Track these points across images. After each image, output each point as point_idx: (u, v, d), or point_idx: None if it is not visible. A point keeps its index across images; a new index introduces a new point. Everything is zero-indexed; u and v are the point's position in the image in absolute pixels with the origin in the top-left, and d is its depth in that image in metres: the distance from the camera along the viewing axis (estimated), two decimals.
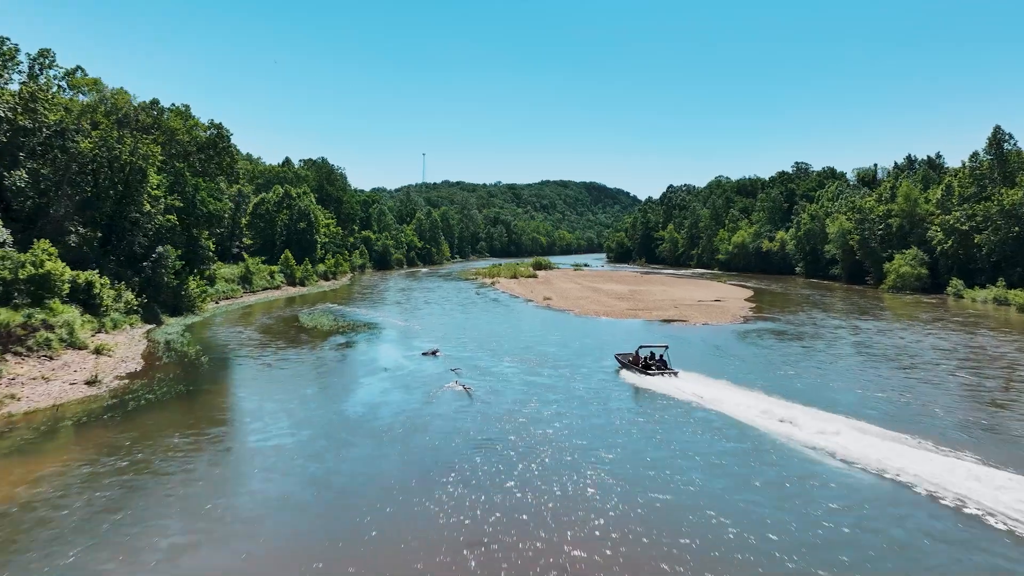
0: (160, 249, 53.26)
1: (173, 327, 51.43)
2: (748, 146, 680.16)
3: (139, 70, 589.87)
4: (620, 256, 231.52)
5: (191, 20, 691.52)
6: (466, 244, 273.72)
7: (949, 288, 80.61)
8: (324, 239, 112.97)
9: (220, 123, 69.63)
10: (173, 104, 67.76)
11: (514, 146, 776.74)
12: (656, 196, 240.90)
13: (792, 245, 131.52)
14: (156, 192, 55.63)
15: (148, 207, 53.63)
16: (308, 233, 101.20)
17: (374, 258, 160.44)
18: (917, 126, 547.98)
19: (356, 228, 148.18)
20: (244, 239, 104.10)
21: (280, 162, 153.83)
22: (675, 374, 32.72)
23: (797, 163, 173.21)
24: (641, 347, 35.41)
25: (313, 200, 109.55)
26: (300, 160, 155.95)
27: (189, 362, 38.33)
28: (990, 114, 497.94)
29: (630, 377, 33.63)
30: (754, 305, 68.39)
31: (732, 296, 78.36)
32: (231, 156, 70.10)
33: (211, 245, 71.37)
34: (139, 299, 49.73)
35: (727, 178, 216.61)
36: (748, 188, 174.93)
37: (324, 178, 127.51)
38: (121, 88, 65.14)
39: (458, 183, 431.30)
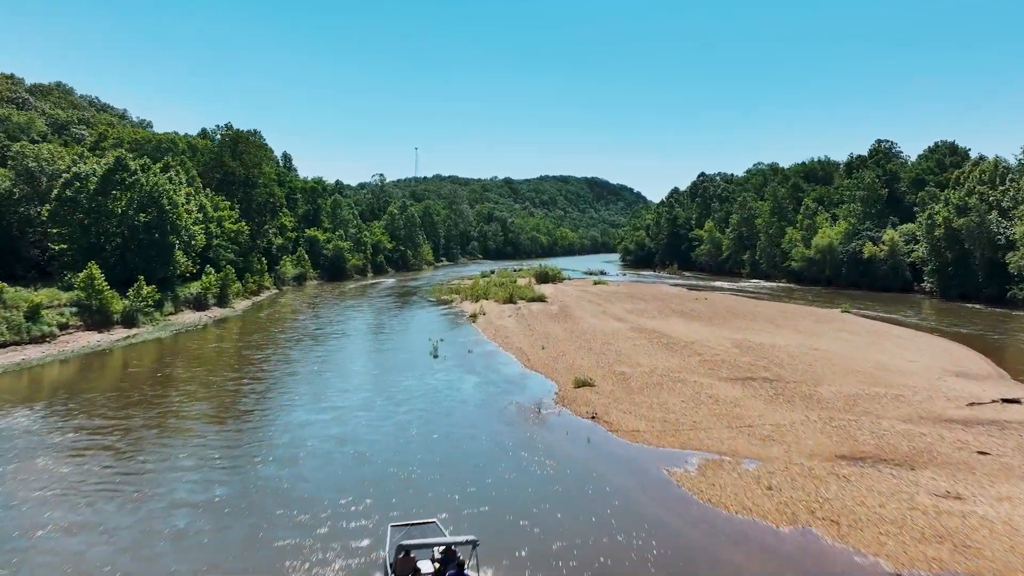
0: None
1: None
2: (749, 145, 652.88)
3: (139, 71, 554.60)
4: (639, 260, 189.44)
5: (191, 20, 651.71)
6: (454, 244, 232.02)
7: None
8: (214, 241, 71.12)
9: None
10: None
11: (512, 144, 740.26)
12: (660, 193, 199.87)
13: (919, 250, 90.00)
14: None
15: None
16: (157, 229, 58.98)
17: (323, 265, 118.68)
18: (913, 123, 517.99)
19: (288, 224, 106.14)
20: (52, 243, 62.04)
21: (197, 133, 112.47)
22: None
23: (880, 140, 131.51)
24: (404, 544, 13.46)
25: (182, 178, 67.39)
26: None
27: None
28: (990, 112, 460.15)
29: None
30: None
31: (975, 369, 36.54)
32: None
33: None
34: None
35: (764, 164, 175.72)
36: (818, 174, 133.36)
37: (226, 150, 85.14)
38: None
39: (450, 177, 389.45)
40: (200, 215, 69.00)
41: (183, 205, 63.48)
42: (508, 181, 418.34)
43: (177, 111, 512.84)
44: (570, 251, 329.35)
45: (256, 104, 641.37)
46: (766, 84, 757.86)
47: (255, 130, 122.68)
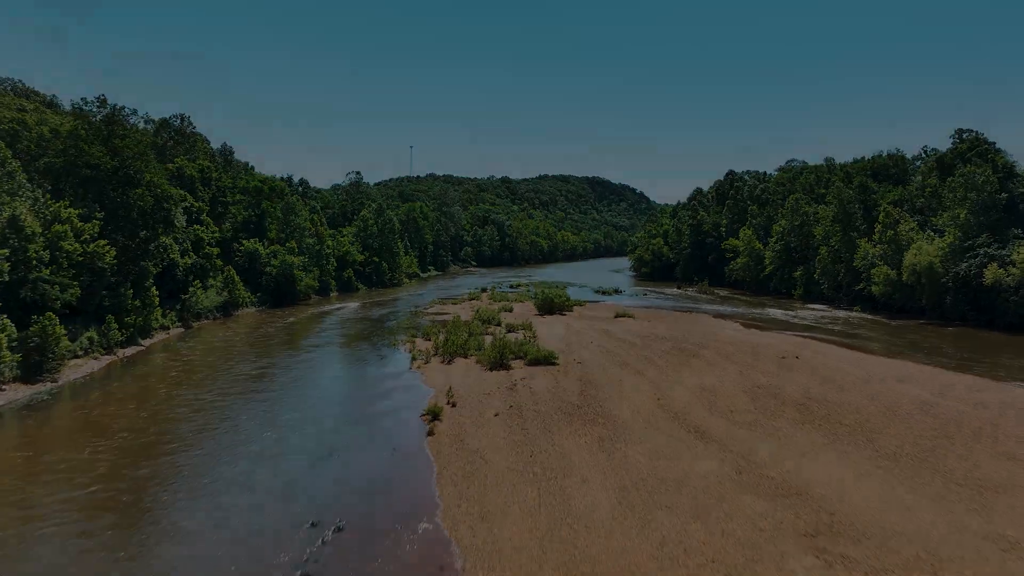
0: None
1: None
2: (750, 144, 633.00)
3: (139, 75, 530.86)
4: (657, 272, 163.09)
5: (186, 19, 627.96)
6: (445, 251, 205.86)
7: None
8: (34, 273, 44.97)
9: None
10: None
11: (511, 143, 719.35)
12: (660, 193, 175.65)
13: None
14: None
15: None
16: None
17: (266, 287, 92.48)
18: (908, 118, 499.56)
19: (205, 236, 79.74)
20: None
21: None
22: None
23: (961, 130, 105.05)
24: None
25: None
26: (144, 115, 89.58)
27: None
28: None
29: None
30: None
31: None
32: None
33: None
34: None
35: (803, 162, 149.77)
36: (891, 171, 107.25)
37: (94, 136, 58.51)
38: None
39: (444, 176, 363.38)
40: (6, 231, 42.70)
41: None
42: (506, 180, 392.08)
43: (171, 109, 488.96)
44: (572, 256, 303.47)
45: (251, 103, 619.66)
46: (768, 81, 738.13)
47: (183, 115, 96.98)
